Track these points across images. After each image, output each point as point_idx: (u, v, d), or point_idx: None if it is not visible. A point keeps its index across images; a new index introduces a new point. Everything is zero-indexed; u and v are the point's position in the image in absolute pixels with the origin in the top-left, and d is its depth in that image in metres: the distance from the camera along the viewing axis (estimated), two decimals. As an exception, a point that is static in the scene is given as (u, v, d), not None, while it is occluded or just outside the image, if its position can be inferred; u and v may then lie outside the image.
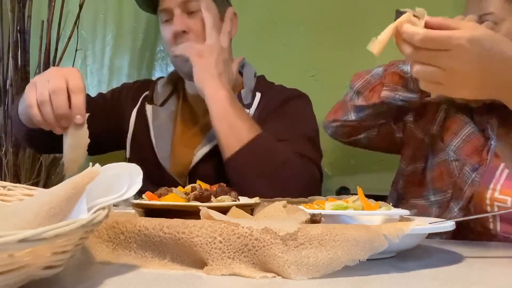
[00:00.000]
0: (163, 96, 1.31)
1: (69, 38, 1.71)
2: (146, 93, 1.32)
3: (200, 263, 0.53)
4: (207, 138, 1.20)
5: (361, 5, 1.60)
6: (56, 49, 1.68)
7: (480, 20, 0.97)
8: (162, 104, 1.30)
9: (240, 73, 1.34)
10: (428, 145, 1.06)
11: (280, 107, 1.21)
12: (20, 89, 1.63)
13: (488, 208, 0.91)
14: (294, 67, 1.66)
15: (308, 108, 1.27)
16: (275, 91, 1.27)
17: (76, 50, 1.81)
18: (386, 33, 0.74)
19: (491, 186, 0.93)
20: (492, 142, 0.95)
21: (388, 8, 1.57)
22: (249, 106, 1.22)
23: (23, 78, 1.65)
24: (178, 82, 1.35)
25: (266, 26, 1.71)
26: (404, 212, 0.71)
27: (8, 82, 1.65)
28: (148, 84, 1.36)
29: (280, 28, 1.69)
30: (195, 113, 1.29)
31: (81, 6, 1.71)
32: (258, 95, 1.24)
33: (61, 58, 1.70)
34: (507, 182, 0.92)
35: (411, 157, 1.09)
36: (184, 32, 1.18)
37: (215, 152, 1.15)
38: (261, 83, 1.30)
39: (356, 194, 0.72)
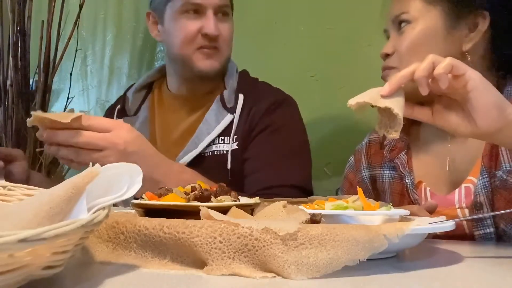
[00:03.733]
0: (135, 105, 1.28)
1: (69, 38, 1.72)
2: (118, 107, 1.28)
3: (200, 263, 0.53)
4: (190, 145, 1.15)
5: (361, 5, 1.60)
6: (56, 49, 1.69)
7: (397, 19, 0.97)
8: (135, 113, 1.27)
9: None
10: None
11: (267, 116, 1.17)
12: (20, 89, 1.64)
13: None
14: (294, 67, 1.66)
15: (296, 116, 1.23)
16: (259, 93, 1.22)
17: (76, 50, 1.82)
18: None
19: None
20: (407, 181, 0.98)
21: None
22: (232, 110, 1.18)
23: (23, 78, 1.65)
24: (152, 85, 1.31)
25: (266, 26, 1.71)
26: (404, 212, 0.71)
27: (8, 82, 1.65)
28: (120, 100, 1.33)
29: (280, 28, 1.69)
30: (175, 116, 1.24)
31: (81, 6, 1.72)
32: (241, 97, 1.19)
33: (61, 58, 1.71)
34: (435, 200, 0.93)
35: None
36: (217, 35, 1.16)
37: (198, 160, 1.13)
38: (244, 82, 1.24)
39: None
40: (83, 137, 0.87)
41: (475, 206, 0.90)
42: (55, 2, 1.70)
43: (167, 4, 1.18)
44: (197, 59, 1.17)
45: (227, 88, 1.21)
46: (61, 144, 0.88)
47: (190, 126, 1.20)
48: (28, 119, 0.87)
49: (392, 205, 0.84)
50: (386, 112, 0.69)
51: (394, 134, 0.69)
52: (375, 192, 1.09)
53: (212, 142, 1.15)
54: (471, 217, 0.92)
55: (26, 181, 1.08)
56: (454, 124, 0.70)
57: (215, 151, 1.15)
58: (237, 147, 1.15)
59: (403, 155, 1.02)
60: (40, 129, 0.89)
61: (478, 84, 0.67)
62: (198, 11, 1.15)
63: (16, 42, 1.64)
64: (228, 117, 1.16)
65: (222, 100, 1.19)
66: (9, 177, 1.06)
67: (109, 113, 1.32)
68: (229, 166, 1.13)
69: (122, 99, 1.31)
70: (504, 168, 0.88)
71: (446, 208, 0.93)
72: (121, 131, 0.90)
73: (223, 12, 1.18)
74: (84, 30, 2.01)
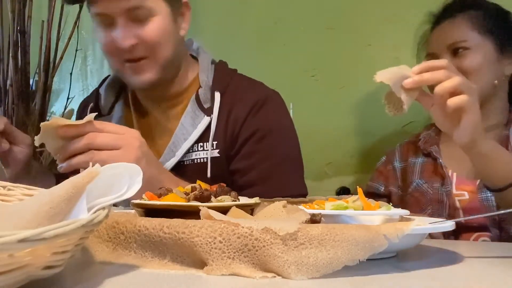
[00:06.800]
0: (108, 102, 1.18)
1: (69, 38, 1.71)
2: (91, 105, 1.18)
3: (200, 263, 0.53)
4: (166, 154, 1.08)
5: (361, 5, 1.60)
6: (56, 49, 1.68)
7: (454, 45, 1.16)
8: (109, 112, 1.18)
9: (194, 57, 1.18)
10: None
11: (250, 119, 1.09)
12: (20, 89, 1.63)
13: (457, 204, 1.13)
14: (294, 67, 1.66)
15: (281, 115, 1.14)
16: (238, 91, 1.11)
17: (76, 50, 1.82)
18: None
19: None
20: (441, 161, 1.19)
21: (387, 9, 1.57)
22: (209, 111, 1.08)
23: (23, 78, 1.65)
24: (122, 85, 1.21)
25: (266, 26, 1.71)
26: (404, 212, 0.71)
27: (8, 82, 1.65)
28: (92, 96, 1.25)
29: (280, 28, 1.70)
30: (151, 118, 1.16)
31: (81, 6, 1.71)
32: (217, 96, 1.08)
33: (61, 58, 1.70)
34: (458, 180, 1.16)
35: None
36: (132, 45, 1.02)
37: (177, 169, 1.06)
38: (219, 77, 1.13)
39: (356, 194, 0.72)
40: (101, 137, 0.85)
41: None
42: (55, 2, 1.69)
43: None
44: (127, 74, 1.06)
45: (202, 85, 1.10)
46: (76, 152, 0.85)
47: (167, 131, 1.12)
48: (36, 137, 0.84)
49: (420, 180, 1.19)
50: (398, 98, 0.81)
51: (391, 114, 0.83)
52: (402, 178, 1.26)
53: (191, 149, 1.07)
54: (472, 217, 1.01)
55: (24, 170, 1.03)
56: (439, 121, 0.87)
57: (195, 159, 1.07)
58: (218, 154, 1.07)
59: (435, 147, 1.22)
60: (51, 142, 0.86)
61: (471, 122, 0.82)
62: (109, 22, 1.02)
63: (16, 42, 1.64)
64: (205, 120, 1.07)
65: (198, 100, 1.09)
66: (7, 158, 1.01)
67: (81, 111, 1.25)
68: (209, 174, 1.05)
69: (95, 95, 1.21)
70: None
71: (468, 186, 1.12)
72: (134, 133, 0.90)
73: (137, 15, 1.01)
74: (84, 30, 2.00)
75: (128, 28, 1.01)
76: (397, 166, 1.29)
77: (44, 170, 1.19)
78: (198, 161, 1.07)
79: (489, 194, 1.07)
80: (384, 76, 0.79)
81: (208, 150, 1.06)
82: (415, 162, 1.25)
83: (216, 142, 1.07)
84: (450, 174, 1.17)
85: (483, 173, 0.92)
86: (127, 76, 1.06)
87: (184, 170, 1.06)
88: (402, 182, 1.26)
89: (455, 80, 0.81)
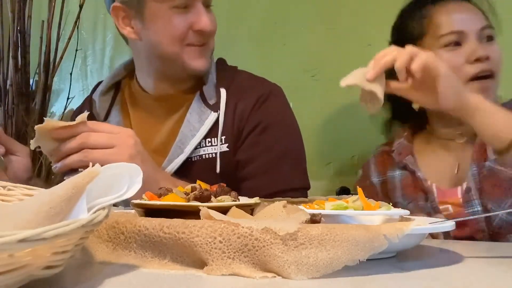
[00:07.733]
0: (104, 108, 1.17)
1: (69, 38, 1.72)
2: (87, 112, 1.17)
3: (200, 263, 0.53)
4: (174, 152, 1.08)
5: (361, 5, 1.60)
6: (56, 49, 1.69)
7: (485, 30, 1.07)
8: (105, 118, 1.17)
9: None
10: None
11: (255, 112, 1.10)
12: (20, 89, 1.64)
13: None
14: (294, 67, 1.66)
15: (284, 107, 1.16)
16: (242, 86, 1.14)
17: (76, 50, 1.82)
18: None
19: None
20: (419, 174, 1.12)
21: (387, 9, 1.57)
22: (215, 107, 1.09)
23: (23, 78, 1.65)
24: (120, 84, 1.21)
25: (266, 26, 1.71)
26: (404, 212, 0.71)
27: (8, 82, 1.65)
28: (85, 103, 1.23)
29: (280, 28, 1.69)
30: (153, 119, 1.15)
31: (81, 6, 1.72)
32: (223, 92, 1.10)
33: (61, 58, 1.70)
34: (439, 193, 1.09)
35: None
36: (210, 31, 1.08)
37: (184, 166, 1.06)
38: (223, 74, 1.15)
39: (356, 194, 0.72)
40: (94, 136, 0.86)
41: (466, 190, 1.05)
42: (55, 2, 1.69)
43: None
44: (188, 57, 1.08)
45: (207, 82, 1.12)
46: (70, 152, 0.86)
47: (171, 129, 1.12)
48: (31, 141, 0.84)
49: (403, 201, 1.06)
50: (369, 91, 0.83)
51: (372, 110, 0.85)
52: (384, 194, 1.18)
53: (199, 145, 1.07)
54: (472, 217, 1.00)
55: (26, 181, 1.02)
56: (421, 99, 0.87)
57: (203, 155, 1.07)
58: (227, 149, 1.08)
59: (409, 157, 1.15)
60: (46, 145, 0.86)
61: (444, 78, 0.82)
62: (187, 5, 1.06)
63: (16, 42, 1.64)
64: (212, 116, 1.08)
65: (202, 96, 1.11)
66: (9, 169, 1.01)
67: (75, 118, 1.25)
68: (218, 170, 1.06)
69: (89, 102, 1.21)
70: (491, 159, 1.03)
71: (451, 198, 1.08)
72: (128, 132, 0.91)
73: (208, 4, 1.10)
74: (84, 30, 2.00)
75: (206, 14, 1.07)
76: (375, 181, 1.21)
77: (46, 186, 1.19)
78: (206, 157, 1.08)
79: (476, 209, 1.02)
80: (347, 79, 0.84)
81: (216, 145, 1.07)
82: (394, 176, 1.17)
83: (224, 136, 1.08)
84: (430, 185, 1.11)
85: (487, 132, 0.86)
86: (186, 59, 1.08)
87: (192, 166, 1.07)
88: (384, 199, 1.16)
89: (407, 50, 0.82)
